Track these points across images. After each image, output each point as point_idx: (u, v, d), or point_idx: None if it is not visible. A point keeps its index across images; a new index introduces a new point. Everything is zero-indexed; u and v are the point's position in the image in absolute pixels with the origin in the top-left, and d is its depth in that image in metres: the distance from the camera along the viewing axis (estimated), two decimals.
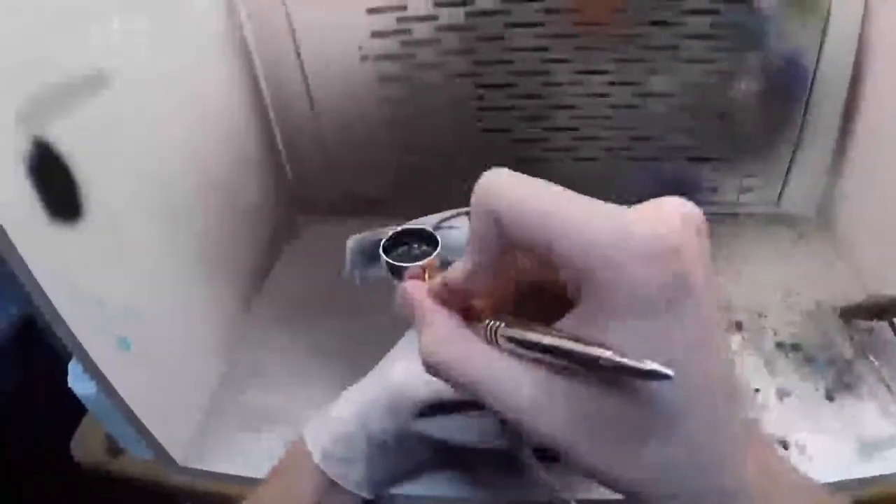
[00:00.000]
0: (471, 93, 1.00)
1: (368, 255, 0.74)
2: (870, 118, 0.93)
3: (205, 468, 0.77)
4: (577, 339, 0.29)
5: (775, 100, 0.97)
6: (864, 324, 0.84)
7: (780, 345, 0.85)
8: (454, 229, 0.73)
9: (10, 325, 0.98)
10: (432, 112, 1.02)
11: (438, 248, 0.70)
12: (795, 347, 0.84)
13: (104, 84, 0.67)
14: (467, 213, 0.76)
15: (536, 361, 0.32)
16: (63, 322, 0.59)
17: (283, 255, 1.11)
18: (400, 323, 0.72)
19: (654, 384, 0.28)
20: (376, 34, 0.95)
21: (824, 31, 0.90)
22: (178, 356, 0.79)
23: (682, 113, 0.99)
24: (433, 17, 0.93)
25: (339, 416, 0.65)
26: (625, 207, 0.30)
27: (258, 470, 0.70)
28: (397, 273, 0.68)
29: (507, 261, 0.35)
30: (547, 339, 0.31)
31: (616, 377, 0.29)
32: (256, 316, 0.99)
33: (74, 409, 0.75)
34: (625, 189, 1.05)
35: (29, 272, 0.55)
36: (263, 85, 1.04)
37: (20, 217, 0.56)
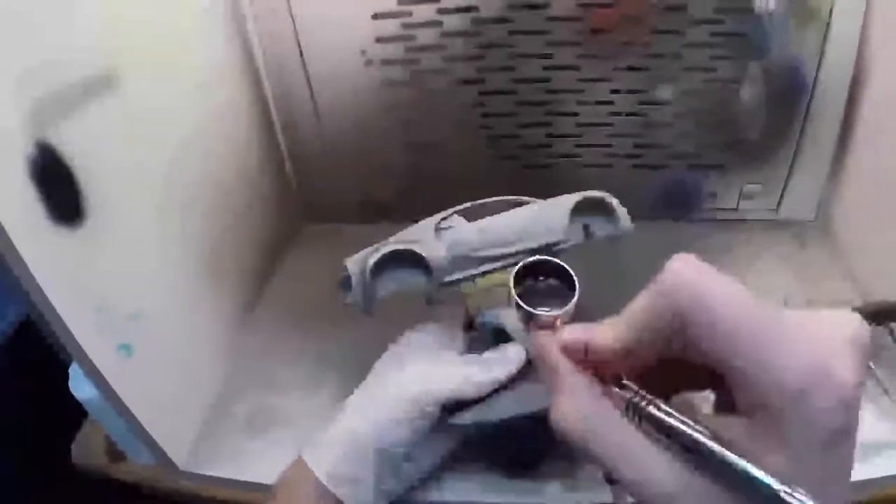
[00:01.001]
0: (475, 99, 1.00)
1: (372, 273, 0.72)
2: (869, 126, 0.94)
3: (207, 473, 0.77)
4: (738, 453, 0.30)
5: (776, 107, 0.97)
6: None
7: None
8: (451, 229, 0.72)
9: (11, 327, 0.98)
10: (436, 118, 1.02)
11: (576, 296, 0.66)
12: None
13: (108, 87, 0.67)
14: (462, 212, 0.76)
15: (676, 451, 0.32)
16: (64, 325, 0.59)
17: (287, 260, 1.11)
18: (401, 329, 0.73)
19: None
20: (381, 39, 0.95)
21: (824, 40, 0.91)
22: (180, 360, 0.79)
23: (684, 120, 0.99)
24: (438, 23, 0.93)
25: (348, 432, 0.63)
26: (801, 322, 0.31)
27: (260, 475, 0.70)
28: (527, 318, 0.64)
29: (666, 347, 0.34)
30: (710, 445, 0.30)
31: (761, 501, 0.29)
32: (260, 320, 0.99)
33: (75, 412, 0.75)
34: (627, 195, 1.05)
35: (30, 275, 0.55)
36: (267, 89, 1.04)
37: (22, 220, 0.55)
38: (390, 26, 0.94)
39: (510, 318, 0.71)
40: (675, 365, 0.35)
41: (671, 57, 0.93)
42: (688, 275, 0.32)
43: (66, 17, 0.61)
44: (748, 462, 0.29)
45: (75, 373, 0.69)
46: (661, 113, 0.99)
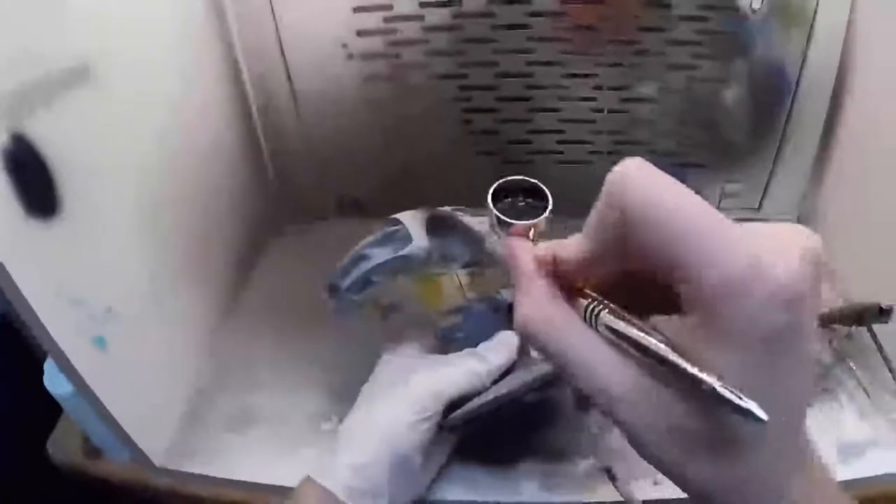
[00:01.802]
0: (456, 94, 1.00)
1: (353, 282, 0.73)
2: (851, 126, 0.94)
3: (184, 470, 0.76)
4: (681, 353, 0.30)
5: (759, 106, 0.98)
6: (843, 329, 0.84)
7: None
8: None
9: None
10: (418, 112, 1.02)
11: (549, 207, 0.69)
12: None
13: (84, 79, 0.66)
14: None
15: (629, 354, 0.32)
16: (38, 320, 0.58)
17: (267, 256, 1.10)
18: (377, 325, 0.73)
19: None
20: (362, 33, 0.94)
21: (808, 40, 0.91)
22: (157, 356, 0.78)
23: (666, 118, 1.00)
24: (420, 17, 0.92)
25: (361, 445, 0.64)
26: (751, 229, 0.30)
27: (238, 472, 0.69)
28: (503, 226, 0.68)
29: (620, 252, 0.34)
30: (653, 345, 0.31)
31: (701, 399, 0.30)
32: (239, 317, 0.98)
33: (52, 409, 0.74)
34: None
35: (3, 268, 0.54)
36: (247, 83, 1.03)
37: None
38: (372, 20, 0.93)
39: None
40: (639, 289, 0.35)
41: (655, 54, 0.94)
42: (635, 173, 0.32)
43: (42, 8, 0.60)
44: (685, 358, 0.29)
45: (51, 369, 0.69)
46: (644, 110, 0.99)
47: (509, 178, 0.77)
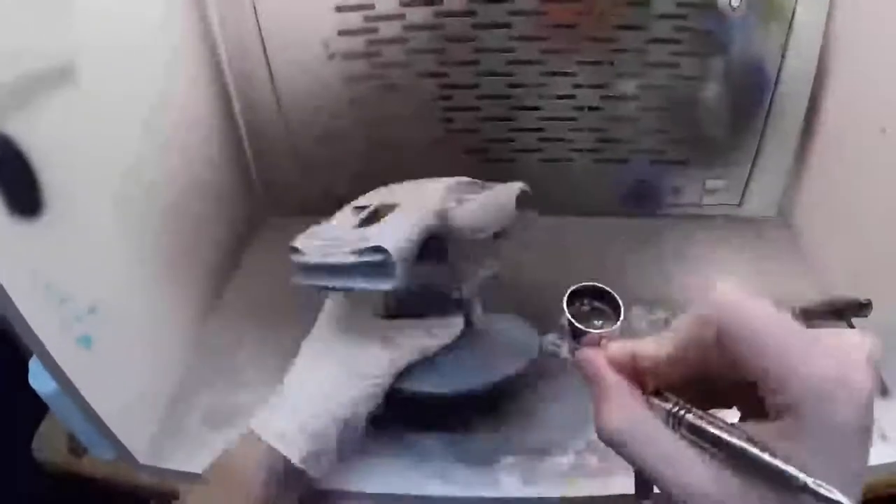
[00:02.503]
0: (437, 92, 1.00)
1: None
2: (831, 123, 0.95)
3: (168, 467, 0.77)
4: (769, 451, 0.33)
5: (739, 103, 0.98)
6: (823, 324, 0.85)
7: None
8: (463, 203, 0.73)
9: None
10: (399, 111, 1.02)
11: (621, 319, 0.71)
12: None
13: (67, 78, 0.66)
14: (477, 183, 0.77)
15: (713, 455, 0.36)
16: (22, 318, 0.58)
17: (249, 253, 1.10)
18: None
19: None
20: (343, 32, 0.95)
21: (787, 38, 0.92)
22: (141, 353, 0.79)
23: (647, 116, 1.00)
24: (400, 16, 0.93)
25: (313, 410, 0.66)
26: (828, 340, 0.35)
27: None
28: (577, 335, 0.69)
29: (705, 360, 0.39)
30: (745, 446, 0.34)
31: (792, 495, 0.33)
32: (222, 314, 0.98)
33: (37, 407, 0.74)
34: (590, 190, 1.06)
35: None
36: (229, 81, 1.03)
37: None
38: (353, 19, 0.93)
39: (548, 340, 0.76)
40: (705, 384, 0.40)
41: (634, 52, 0.94)
42: (730, 295, 0.37)
43: (21, 6, 0.60)
44: (778, 459, 0.33)
45: (35, 367, 0.69)
46: (624, 108, 1.00)
47: (579, 284, 0.79)
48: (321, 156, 1.08)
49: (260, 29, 0.96)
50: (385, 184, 0.83)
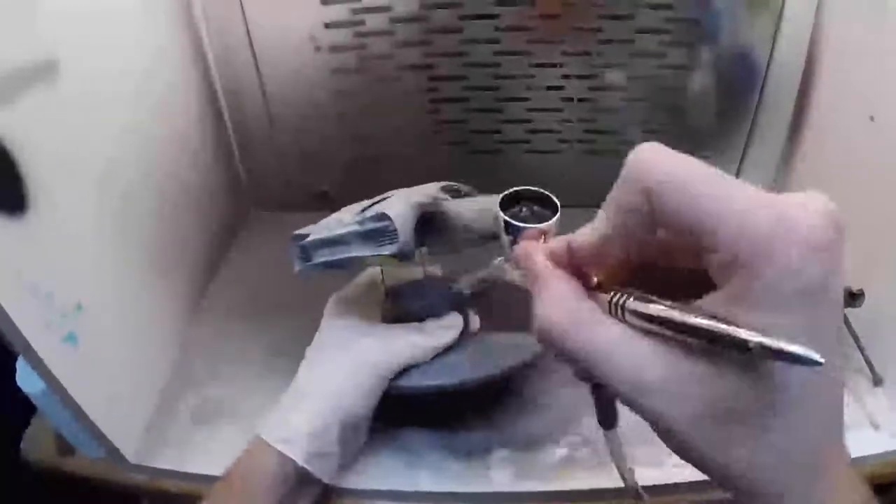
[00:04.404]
0: (424, 84, 1.00)
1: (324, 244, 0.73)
2: (821, 113, 0.95)
3: (158, 465, 0.76)
4: (719, 321, 0.29)
5: (728, 94, 0.98)
6: None
7: None
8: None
9: None
10: (385, 103, 1.02)
11: (558, 213, 0.69)
12: None
13: (51, 74, 0.66)
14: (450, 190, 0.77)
15: (663, 339, 0.32)
16: (8, 318, 0.58)
17: (235, 249, 1.10)
18: None
19: (791, 371, 0.29)
20: (330, 25, 0.94)
21: (777, 27, 0.92)
22: (128, 351, 0.78)
23: (635, 106, 1.00)
24: (387, 9, 0.92)
25: (316, 411, 0.67)
26: (774, 194, 0.30)
27: (212, 466, 0.69)
28: (514, 232, 0.67)
29: (641, 233, 0.34)
30: (690, 319, 0.30)
31: (749, 363, 0.29)
32: (208, 310, 0.98)
33: (25, 408, 0.74)
34: (578, 181, 1.06)
35: None
36: (215, 75, 1.03)
37: None
38: (340, 11, 0.93)
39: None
40: (647, 276, 0.36)
41: (621, 42, 0.94)
42: (653, 155, 0.32)
43: (6, 4, 0.60)
44: (728, 324, 0.29)
45: (23, 367, 0.68)
46: (612, 98, 1.00)
47: (516, 188, 0.77)
48: (308, 150, 1.08)
49: (246, 22, 0.95)
50: (372, 179, 0.83)
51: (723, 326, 0.29)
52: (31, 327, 0.60)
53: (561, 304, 0.36)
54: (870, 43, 0.82)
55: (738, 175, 1.06)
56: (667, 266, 0.36)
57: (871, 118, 0.80)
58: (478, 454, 0.75)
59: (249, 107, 1.04)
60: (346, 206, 0.78)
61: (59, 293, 0.65)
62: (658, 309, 0.32)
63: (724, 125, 1.01)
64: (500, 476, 0.73)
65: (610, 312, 0.34)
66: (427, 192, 0.74)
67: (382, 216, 0.66)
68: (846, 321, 0.80)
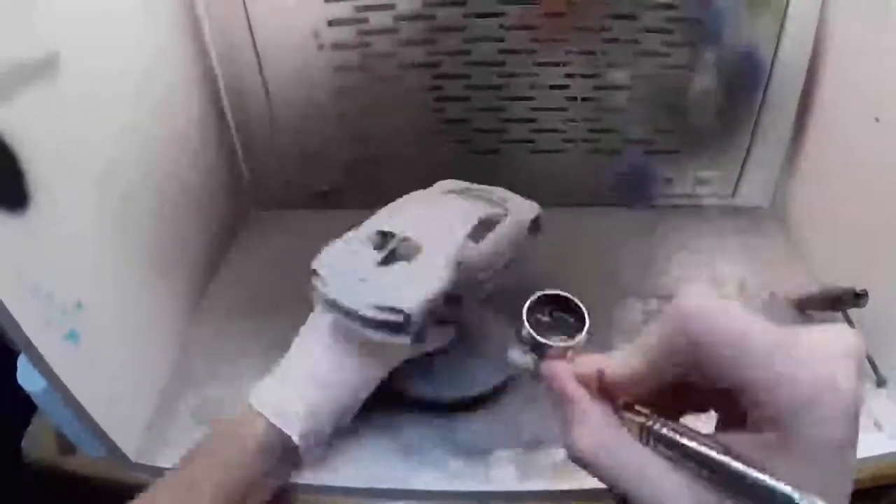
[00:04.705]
0: (428, 83, 1.00)
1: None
2: (825, 113, 0.95)
3: (160, 465, 0.76)
4: (753, 465, 0.31)
5: (732, 94, 0.98)
6: (817, 314, 0.85)
7: None
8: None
9: None
10: (388, 102, 1.02)
11: (587, 327, 0.68)
12: None
13: (52, 70, 0.65)
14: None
15: (693, 471, 0.34)
16: (9, 315, 0.57)
17: (237, 248, 1.09)
18: None
19: None
20: (333, 22, 0.94)
21: (781, 27, 0.91)
22: (129, 350, 0.78)
23: (639, 106, 1.00)
24: (391, 6, 0.92)
25: (313, 396, 0.67)
26: (809, 344, 0.32)
27: None
28: (538, 348, 0.67)
29: (679, 373, 0.36)
30: (733, 464, 0.32)
31: None
32: (209, 309, 0.98)
33: (26, 406, 0.74)
34: (582, 181, 1.06)
35: None
36: (218, 73, 1.02)
37: None
38: (343, 9, 0.93)
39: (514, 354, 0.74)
40: (678, 390, 0.37)
41: (626, 42, 0.94)
42: (697, 303, 0.34)
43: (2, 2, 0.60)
44: (761, 472, 0.31)
45: (24, 365, 0.68)
46: (616, 98, 0.99)
47: (539, 293, 0.76)
48: (310, 149, 1.07)
49: (248, 19, 0.95)
50: (372, 179, 0.82)
51: (763, 476, 0.31)
52: (32, 324, 0.60)
53: (592, 431, 0.38)
54: (874, 43, 0.82)
55: (741, 175, 1.06)
56: (694, 387, 0.37)
57: (877, 119, 0.80)
58: (478, 453, 0.75)
59: (252, 106, 1.04)
60: (345, 206, 0.78)
61: (60, 291, 0.64)
62: (692, 443, 0.34)
63: (727, 124, 1.01)
64: (500, 475, 0.72)
65: (640, 436, 0.36)
66: (457, 243, 0.73)
67: (399, 311, 0.66)
68: (849, 321, 0.80)
